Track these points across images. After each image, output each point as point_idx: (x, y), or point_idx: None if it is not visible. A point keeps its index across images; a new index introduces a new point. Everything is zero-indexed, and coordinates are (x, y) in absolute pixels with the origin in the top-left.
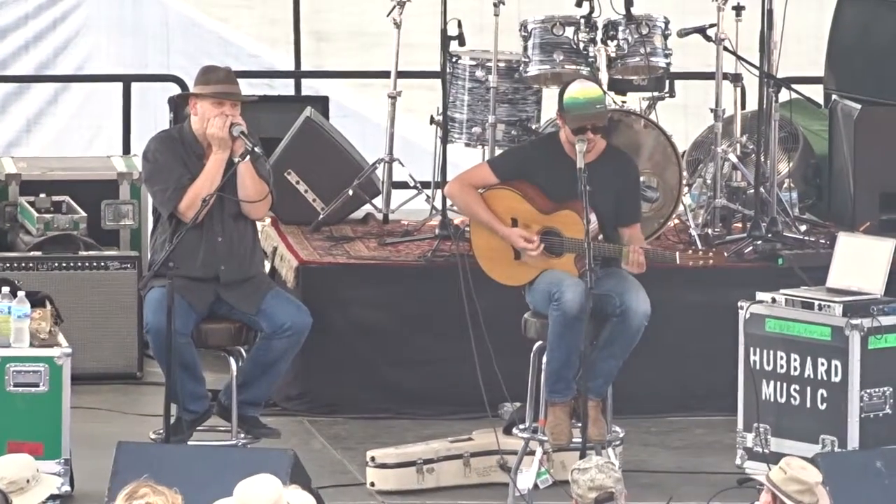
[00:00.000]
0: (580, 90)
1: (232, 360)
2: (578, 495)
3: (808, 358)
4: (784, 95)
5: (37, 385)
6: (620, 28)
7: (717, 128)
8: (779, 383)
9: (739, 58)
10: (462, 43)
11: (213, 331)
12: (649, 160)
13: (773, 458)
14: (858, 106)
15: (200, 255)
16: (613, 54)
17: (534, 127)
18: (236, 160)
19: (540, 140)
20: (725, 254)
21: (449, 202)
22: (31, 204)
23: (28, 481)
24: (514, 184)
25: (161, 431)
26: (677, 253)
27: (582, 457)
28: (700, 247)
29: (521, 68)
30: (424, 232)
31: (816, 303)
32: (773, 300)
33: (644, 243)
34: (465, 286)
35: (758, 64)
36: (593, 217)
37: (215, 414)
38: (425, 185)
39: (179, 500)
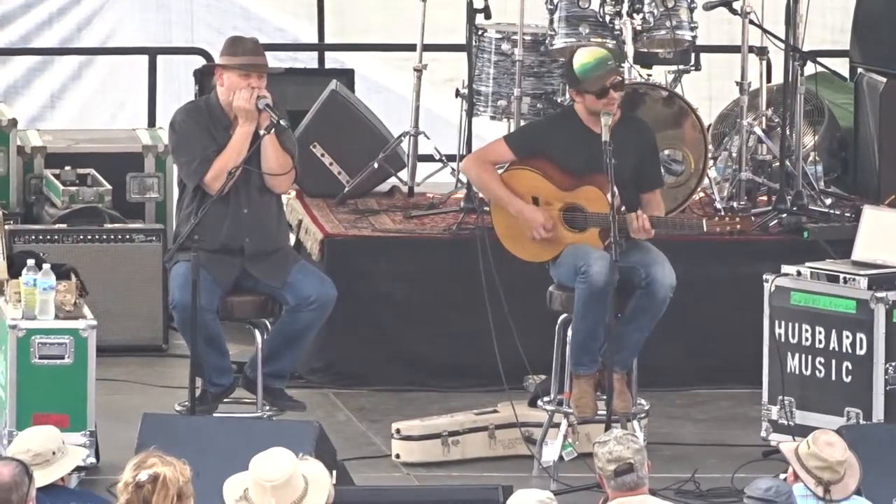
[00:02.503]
0: (587, 54)
1: (257, 333)
2: (599, 468)
3: (833, 331)
4: (810, 69)
5: (62, 357)
6: (646, 1)
7: (742, 101)
8: (804, 356)
9: (765, 31)
10: (488, 16)
11: (239, 303)
12: (674, 133)
13: (798, 431)
14: (884, 79)
15: (226, 228)
16: (639, 27)
17: (559, 100)
18: (261, 133)
19: (556, 115)
20: (752, 217)
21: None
22: (57, 176)
23: (54, 453)
24: (533, 162)
25: (186, 403)
26: (704, 220)
27: (607, 429)
28: (724, 213)
29: (546, 41)
30: (450, 205)
31: (841, 276)
32: (799, 273)
33: (662, 209)
34: (488, 260)
35: (783, 37)
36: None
37: (240, 386)
38: (450, 158)
39: (188, 471)
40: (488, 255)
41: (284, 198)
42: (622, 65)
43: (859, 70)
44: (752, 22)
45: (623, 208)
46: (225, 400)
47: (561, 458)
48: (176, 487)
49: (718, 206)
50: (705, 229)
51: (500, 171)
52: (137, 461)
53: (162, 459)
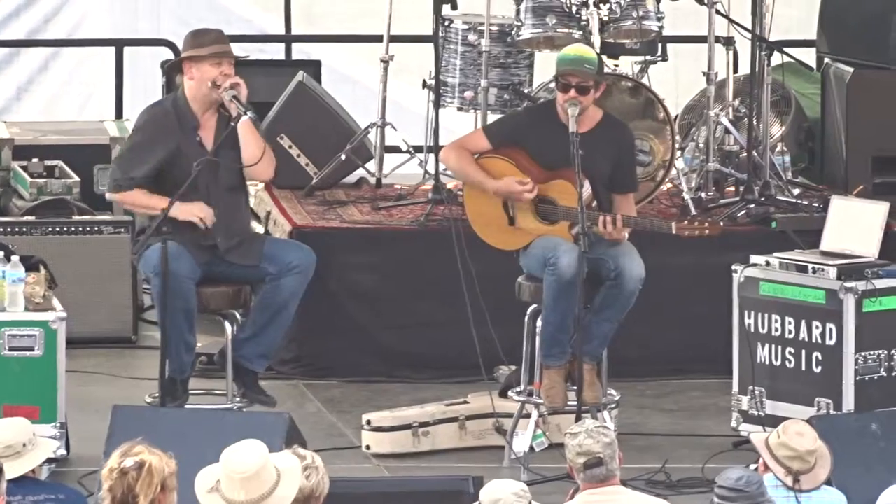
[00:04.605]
0: (573, 48)
1: (227, 324)
2: (570, 459)
3: (803, 321)
4: (776, 59)
5: (31, 349)
6: None
7: (709, 91)
8: (773, 346)
9: (731, 21)
10: (454, 7)
11: (213, 294)
12: (641, 124)
13: (769, 421)
14: (851, 69)
15: (197, 228)
16: (606, 18)
17: (526, 91)
18: (232, 123)
19: (536, 107)
20: (721, 223)
21: (442, 167)
22: (24, 168)
23: (24, 445)
24: (507, 152)
25: (156, 395)
26: (673, 223)
27: (577, 419)
28: (694, 211)
29: (513, 32)
30: (417, 196)
31: (810, 266)
32: (767, 263)
33: (634, 212)
34: (461, 249)
35: (750, 27)
36: (587, 184)
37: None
38: (418, 149)
39: (173, 464)
40: (463, 246)
41: (252, 189)
42: (601, 75)
43: (826, 60)
44: (718, 12)
45: (594, 203)
46: (196, 391)
47: (532, 448)
48: (160, 477)
49: (686, 196)
50: (674, 232)
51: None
52: (124, 449)
53: (149, 449)
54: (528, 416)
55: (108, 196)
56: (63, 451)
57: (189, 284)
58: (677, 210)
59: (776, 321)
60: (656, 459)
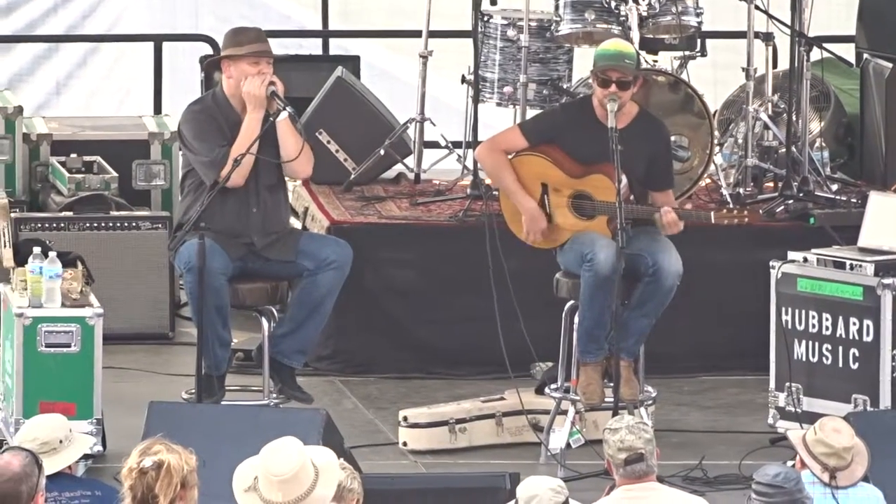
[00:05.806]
0: (612, 43)
1: (264, 320)
2: (609, 455)
3: (840, 317)
4: (815, 54)
5: (68, 345)
6: None
7: (748, 87)
8: (811, 343)
9: (771, 16)
10: (493, 2)
11: (250, 290)
12: (680, 119)
13: (806, 418)
14: (890, 64)
15: (234, 226)
16: (645, 13)
17: (565, 86)
18: (271, 119)
19: (572, 103)
20: (760, 211)
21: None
22: (63, 164)
23: (61, 441)
24: (543, 149)
25: (193, 391)
26: (712, 212)
27: (614, 416)
28: (733, 206)
29: (552, 27)
30: (456, 192)
31: (848, 262)
32: (805, 260)
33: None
34: (494, 246)
35: (789, 23)
36: (623, 178)
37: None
38: (457, 144)
39: (193, 460)
40: (496, 242)
41: (290, 185)
42: (639, 70)
43: (865, 55)
44: (757, 7)
45: (632, 197)
46: (232, 387)
47: (568, 445)
48: (180, 476)
49: (725, 192)
50: (713, 221)
51: (510, 157)
52: (143, 447)
53: (168, 447)
54: (564, 412)
55: (220, 181)
56: (99, 447)
57: (221, 280)
58: (715, 205)
59: (813, 317)
60: (693, 456)
